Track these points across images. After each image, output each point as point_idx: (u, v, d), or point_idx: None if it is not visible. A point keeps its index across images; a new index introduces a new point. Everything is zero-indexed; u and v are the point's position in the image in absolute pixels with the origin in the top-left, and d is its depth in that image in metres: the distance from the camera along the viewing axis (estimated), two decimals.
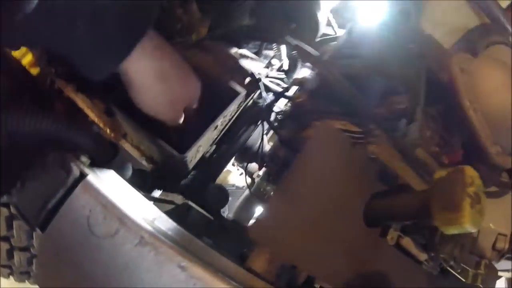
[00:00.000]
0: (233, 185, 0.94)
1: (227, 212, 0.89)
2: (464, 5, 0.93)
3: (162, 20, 0.73)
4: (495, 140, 0.63)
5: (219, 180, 1.05)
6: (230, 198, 0.83)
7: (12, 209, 0.71)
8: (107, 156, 0.57)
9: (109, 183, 0.51)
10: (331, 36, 0.83)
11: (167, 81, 0.53)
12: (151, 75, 0.51)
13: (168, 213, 0.72)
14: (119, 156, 0.59)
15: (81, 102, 0.64)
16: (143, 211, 0.49)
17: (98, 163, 0.56)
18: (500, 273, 0.85)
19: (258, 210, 0.85)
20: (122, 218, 0.45)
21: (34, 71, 0.70)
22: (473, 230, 0.40)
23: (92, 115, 0.63)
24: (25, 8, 0.38)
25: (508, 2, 1.33)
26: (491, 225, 0.69)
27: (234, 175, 0.93)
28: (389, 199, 0.50)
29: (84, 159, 0.55)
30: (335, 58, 0.54)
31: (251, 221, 0.56)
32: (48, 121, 0.50)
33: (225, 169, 1.04)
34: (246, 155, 0.78)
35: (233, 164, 0.95)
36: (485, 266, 0.65)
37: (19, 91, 0.50)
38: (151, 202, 0.52)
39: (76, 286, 0.41)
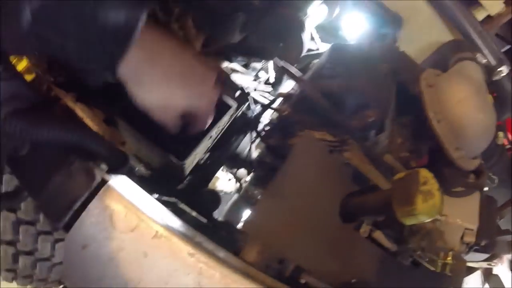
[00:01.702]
0: (222, 191, 1.08)
1: (217, 216, 1.03)
2: (438, 23, 1.11)
3: None
4: (459, 146, 0.79)
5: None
6: None
7: (19, 214, 0.81)
8: (119, 164, 0.64)
9: (126, 187, 0.61)
10: (313, 52, 0.99)
11: (176, 84, 0.54)
12: (158, 82, 0.53)
13: None
14: (129, 163, 0.71)
15: (81, 111, 0.74)
16: (156, 210, 0.59)
17: (112, 170, 0.63)
18: (473, 265, 1.02)
19: (246, 213, 0.99)
20: (140, 216, 0.55)
21: (28, 77, 0.80)
22: (427, 220, 0.54)
23: (91, 124, 0.73)
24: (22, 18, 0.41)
25: (485, 14, 1.53)
26: (458, 220, 0.85)
27: (223, 181, 1.07)
28: (361, 198, 0.64)
29: (103, 166, 0.62)
30: (316, 78, 0.69)
31: (242, 221, 0.69)
32: (69, 131, 0.58)
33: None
34: (235, 162, 0.92)
35: (221, 170, 1.09)
36: (453, 256, 0.80)
37: (40, 102, 0.61)
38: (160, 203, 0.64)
39: (102, 274, 0.53)
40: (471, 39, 1.04)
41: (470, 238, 0.82)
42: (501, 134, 1.13)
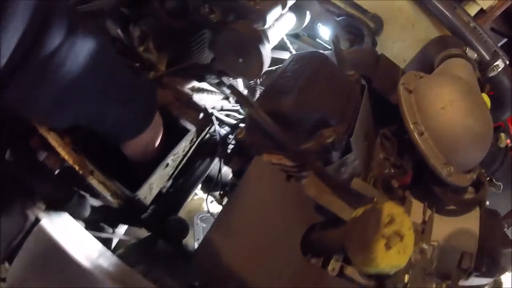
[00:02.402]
0: (208, 212, 0.94)
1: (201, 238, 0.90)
2: (422, 19, 0.91)
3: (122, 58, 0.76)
4: (449, 160, 0.60)
5: (193, 208, 1.05)
6: (204, 226, 0.83)
7: None
8: (62, 201, 0.59)
9: (61, 226, 0.56)
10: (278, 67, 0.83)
11: (155, 139, 0.62)
12: (147, 141, 0.61)
13: (138, 244, 0.74)
14: (75, 198, 0.61)
15: (53, 140, 0.67)
16: (88, 249, 0.53)
17: (54, 206, 0.58)
18: None
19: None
20: (67, 258, 0.51)
21: None
22: (392, 271, 0.38)
23: (63, 153, 0.66)
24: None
25: (477, 8, 1.30)
26: (454, 244, 0.66)
27: (207, 203, 0.93)
28: (322, 232, 0.48)
29: (40, 204, 0.57)
30: (268, 95, 0.53)
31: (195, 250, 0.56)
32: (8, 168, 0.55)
33: (199, 197, 1.04)
34: (210, 184, 0.78)
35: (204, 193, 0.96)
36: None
37: None
38: (96, 241, 0.54)
39: None
40: (460, 33, 0.84)
41: (469, 263, 0.63)
42: (503, 136, 0.91)
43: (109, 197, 0.69)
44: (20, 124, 0.64)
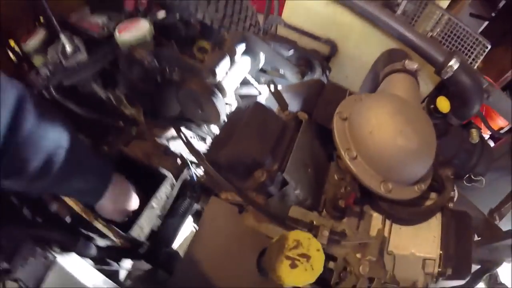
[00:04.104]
0: None
1: None
2: (374, 33, 0.98)
3: (109, 120, 0.94)
4: (386, 178, 0.68)
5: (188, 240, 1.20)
6: None
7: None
8: (70, 245, 0.77)
9: (72, 263, 0.73)
10: (256, 96, 0.96)
11: (121, 205, 0.80)
12: (113, 206, 0.78)
13: (142, 275, 0.90)
14: (80, 242, 0.78)
15: None
16: (93, 279, 0.71)
17: (65, 249, 0.77)
18: None
19: None
20: (79, 286, 0.69)
21: None
22: (301, 285, 0.50)
23: (71, 203, 0.83)
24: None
25: (447, 2, 1.35)
26: (413, 251, 0.73)
27: None
28: (263, 256, 0.61)
29: (55, 248, 0.76)
30: (211, 147, 0.67)
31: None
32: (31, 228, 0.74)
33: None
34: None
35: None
36: None
37: None
38: (99, 273, 0.72)
39: None
40: (409, 42, 0.92)
41: (432, 269, 0.71)
42: (474, 131, 0.98)
43: (112, 237, 0.86)
44: None
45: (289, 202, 0.67)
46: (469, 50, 1.15)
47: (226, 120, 0.70)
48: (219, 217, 0.67)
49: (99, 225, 0.84)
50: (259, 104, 0.68)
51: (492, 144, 1.67)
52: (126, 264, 0.92)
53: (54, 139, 0.63)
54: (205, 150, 0.68)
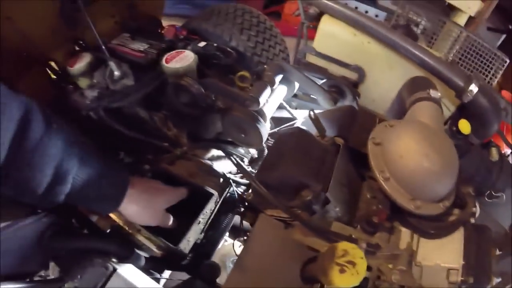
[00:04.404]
0: (236, 255, 1.23)
1: None
2: (397, 60, 1.14)
3: (152, 140, 1.09)
4: (414, 197, 0.83)
5: (225, 253, 1.35)
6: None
7: None
8: (126, 256, 0.92)
9: (129, 272, 0.87)
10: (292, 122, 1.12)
11: (147, 205, 0.87)
12: (134, 206, 0.85)
13: (180, 286, 1.04)
14: (135, 254, 0.93)
15: None
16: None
17: (121, 260, 0.92)
18: None
19: None
20: None
21: None
22: (348, 287, 0.64)
23: (113, 216, 0.97)
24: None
25: (466, 16, 1.50)
26: (438, 262, 0.87)
27: (237, 247, 1.23)
28: (311, 265, 0.76)
29: (113, 259, 0.91)
30: (261, 169, 0.83)
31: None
32: (88, 241, 0.89)
33: (229, 243, 1.34)
34: (236, 232, 1.08)
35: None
36: None
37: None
38: (155, 280, 0.85)
39: None
40: (431, 68, 1.07)
41: (455, 278, 0.84)
42: (494, 150, 1.12)
43: (155, 249, 1.01)
44: None
45: (329, 218, 0.83)
46: (488, 66, 1.30)
47: (272, 146, 0.86)
48: (267, 231, 0.82)
49: (141, 238, 0.99)
50: (302, 131, 0.83)
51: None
52: (165, 274, 1.07)
53: (63, 147, 0.69)
54: (253, 171, 0.83)
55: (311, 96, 1.15)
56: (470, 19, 1.52)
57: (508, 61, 1.26)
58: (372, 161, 0.85)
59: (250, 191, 0.87)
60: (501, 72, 1.33)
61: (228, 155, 0.93)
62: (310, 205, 0.77)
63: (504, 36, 2.36)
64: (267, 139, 1.03)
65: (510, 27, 2.61)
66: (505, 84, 2.13)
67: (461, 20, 1.47)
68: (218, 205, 0.98)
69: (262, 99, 0.95)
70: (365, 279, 0.80)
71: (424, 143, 0.84)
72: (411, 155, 0.83)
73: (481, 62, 1.31)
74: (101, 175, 0.75)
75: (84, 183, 0.73)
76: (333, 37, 1.12)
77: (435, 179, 0.83)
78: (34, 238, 0.86)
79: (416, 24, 1.41)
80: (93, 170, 0.74)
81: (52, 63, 1.20)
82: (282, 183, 0.78)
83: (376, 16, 2.50)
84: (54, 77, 1.21)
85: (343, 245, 0.66)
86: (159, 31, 1.30)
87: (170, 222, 0.93)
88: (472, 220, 0.96)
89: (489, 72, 1.31)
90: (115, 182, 0.79)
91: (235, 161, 0.86)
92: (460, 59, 1.33)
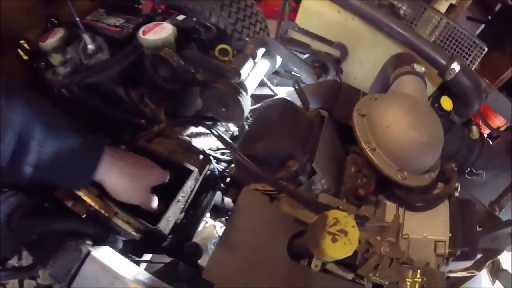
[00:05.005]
0: (218, 237, 1.16)
1: None
2: (381, 38, 1.10)
3: (129, 118, 1.01)
4: (401, 167, 0.79)
5: (206, 235, 1.28)
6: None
7: (39, 280, 0.97)
8: (102, 238, 0.84)
9: (106, 255, 0.80)
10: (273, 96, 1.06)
11: (133, 179, 0.79)
12: (119, 179, 0.78)
13: (163, 268, 0.97)
14: (111, 236, 0.84)
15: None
16: (128, 269, 0.78)
17: (97, 242, 0.83)
18: (456, 275, 0.97)
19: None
20: (115, 275, 0.75)
21: None
22: (342, 257, 0.58)
23: (89, 200, 0.89)
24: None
25: (447, 3, 1.48)
26: (425, 234, 0.83)
27: (219, 228, 1.15)
28: (300, 239, 0.70)
29: (88, 241, 0.82)
30: (245, 141, 0.76)
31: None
32: (61, 222, 0.82)
33: (210, 225, 1.27)
34: (217, 212, 1.01)
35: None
36: (422, 273, 0.79)
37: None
38: (134, 263, 0.78)
39: None
40: (414, 46, 1.03)
41: (443, 250, 0.81)
42: (474, 128, 1.10)
43: (133, 233, 0.92)
44: None
45: (316, 191, 0.77)
46: (466, 53, 1.28)
47: (256, 117, 0.79)
48: (251, 206, 0.75)
49: (119, 221, 0.90)
50: (287, 101, 0.77)
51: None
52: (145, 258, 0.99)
53: (26, 114, 0.63)
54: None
55: (293, 73, 1.10)
56: (451, 7, 1.49)
57: (486, 49, 1.24)
58: (358, 132, 0.80)
59: (232, 165, 0.80)
60: (479, 60, 1.31)
61: (209, 128, 0.86)
62: (297, 176, 0.71)
63: (482, 26, 2.39)
64: (248, 116, 0.96)
65: (489, 17, 2.65)
66: (482, 72, 2.16)
67: (442, 7, 1.44)
68: (198, 183, 0.90)
69: (243, 71, 0.89)
70: (354, 252, 0.75)
71: (411, 114, 0.80)
72: (399, 125, 0.79)
73: (460, 49, 1.29)
74: (73, 142, 0.68)
75: (52, 152, 0.65)
76: (316, 14, 1.06)
77: (421, 149, 0.80)
78: (1, 220, 0.76)
79: (397, 9, 1.37)
80: (63, 138, 0.67)
81: (24, 43, 1.10)
82: (268, 155, 0.72)
83: None
84: (26, 57, 1.11)
85: (334, 214, 0.60)
86: (136, 6, 1.21)
87: (155, 204, 0.85)
88: (457, 194, 0.93)
89: (467, 59, 1.30)
90: (88, 147, 0.71)
91: (216, 133, 0.79)
92: (439, 45, 1.30)
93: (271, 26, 1.41)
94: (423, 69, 0.95)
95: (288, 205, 0.70)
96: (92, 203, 0.88)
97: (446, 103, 1.03)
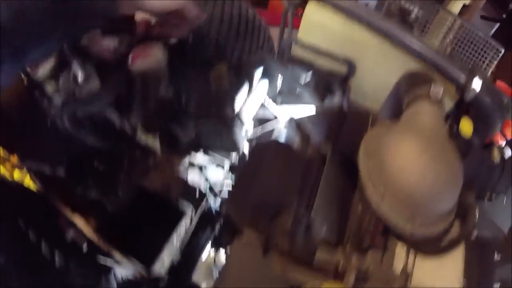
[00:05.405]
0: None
1: None
2: (391, 49, 0.98)
3: (123, 150, 0.95)
4: (413, 215, 0.69)
5: (211, 260, 1.23)
6: None
7: None
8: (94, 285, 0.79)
9: None
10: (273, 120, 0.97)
11: None
12: None
13: None
14: (103, 280, 0.80)
15: (78, 220, 0.87)
16: None
17: None
18: None
19: None
20: None
21: None
22: None
23: (87, 232, 0.85)
24: None
25: (461, 4, 1.33)
26: (437, 284, 0.74)
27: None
28: None
29: None
30: (234, 191, 0.68)
31: None
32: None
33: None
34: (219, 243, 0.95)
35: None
36: None
37: None
38: None
39: None
40: (429, 60, 0.92)
41: None
42: (495, 150, 0.97)
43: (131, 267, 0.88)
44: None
45: (316, 237, 0.69)
46: (482, 56, 1.16)
47: (245, 163, 0.72)
48: (242, 261, 0.68)
49: (117, 256, 0.86)
50: (280, 145, 0.69)
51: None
52: None
53: None
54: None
55: (297, 93, 1.00)
56: (464, 7, 1.35)
57: (502, 50, 1.11)
58: (365, 176, 0.70)
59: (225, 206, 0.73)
60: (495, 62, 1.18)
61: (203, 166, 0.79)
62: (291, 229, 0.64)
63: (497, 25, 2.19)
64: (250, 141, 0.88)
65: (504, 16, 2.41)
66: (499, 74, 1.98)
67: (455, 8, 1.30)
68: (195, 222, 0.84)
69: (238, 100, 0.80)
70: None
71: (427, 154, 0.69)
72: (412, 166, 0.68)
73: (476, 52, 1.17)
74: None
75: None
76: (320, 26, 0.95)
77: (440, 191, 0.69)
78: None
79: (408, 13, 1.24)
80: None
81: None
82: (259, 204, 0.64)
83: (366, 5, 2.31)
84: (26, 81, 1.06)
85: (327, 285, 0.53)
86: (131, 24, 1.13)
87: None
88: (474, 233, 0.83)
89: (483, 62, 1.17)
90: None
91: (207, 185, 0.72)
92: (453, 48, 1.18)
93: (277, 34, 1.31)
94: (441, 90, 0.82)
95: (279, 264, 0.63)
96: (91, 236, 0.85)
97: (466, 127, 0.91)
